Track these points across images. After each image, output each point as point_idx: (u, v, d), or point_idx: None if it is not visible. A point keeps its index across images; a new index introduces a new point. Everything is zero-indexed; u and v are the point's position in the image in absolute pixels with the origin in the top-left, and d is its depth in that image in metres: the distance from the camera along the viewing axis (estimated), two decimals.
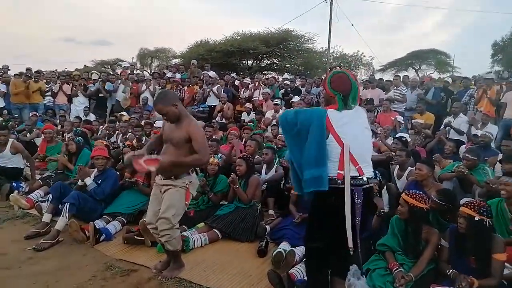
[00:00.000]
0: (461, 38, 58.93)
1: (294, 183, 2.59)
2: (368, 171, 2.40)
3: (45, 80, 10.58)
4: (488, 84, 7.55)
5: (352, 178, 2.30)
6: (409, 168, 4.70)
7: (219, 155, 5.62)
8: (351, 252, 2.26)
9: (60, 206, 4.14)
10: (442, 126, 7.05)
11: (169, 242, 3.07)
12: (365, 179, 2.36)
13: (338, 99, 2.37)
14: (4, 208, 4.86)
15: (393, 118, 7.40)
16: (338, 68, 21.60)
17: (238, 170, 4.47)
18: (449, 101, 8.50)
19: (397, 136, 6.13)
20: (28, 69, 10.71)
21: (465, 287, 2.64)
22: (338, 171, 2.31)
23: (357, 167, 2.33)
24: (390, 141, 6.15)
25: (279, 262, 3.35)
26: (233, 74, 12.04)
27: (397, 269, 2.96)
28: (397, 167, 4.88)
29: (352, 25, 28.93)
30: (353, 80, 2.44)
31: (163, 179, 3.14)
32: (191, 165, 3.13)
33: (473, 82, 9.30)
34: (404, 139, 5.76)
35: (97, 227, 3.98)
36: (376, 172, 3.87)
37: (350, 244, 2.26)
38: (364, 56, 26.93)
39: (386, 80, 9.92)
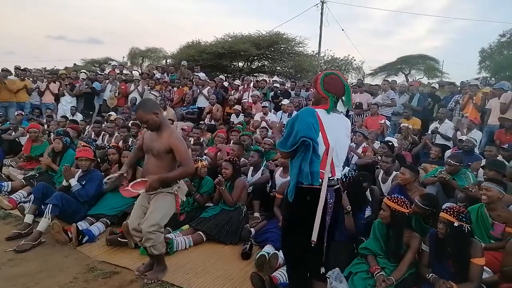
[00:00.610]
0: (451, 45, 60.01)
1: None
2: (339, 173, 2.46)
3: (31, 79, 10.43)
4: (473, 90, 7.67)
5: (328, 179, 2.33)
6: (394, 173, 4.75)
7: (204, 157, 5.61)
8: (312, 244, 2.23)
9: (42, 207, 4.08)
10: (429, 132, 7.14)
11: (153, 246, 3.05)
12: (335, 179, 2.41)
13: (330, 100, 2.38)
14: None
15: (381, 122, 7.48)
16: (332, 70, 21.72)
17: (224, 173, 4.46)
18: (435, 106, 8.62)
19: (384, 140, 6.20)
20: (17, 68, 10.53)
21: None
22: (320, 170, 2.33)
23: (331, 168, 2.36)
24: (377, 145, 6.22)
25: (262, 265, 3.36)
26: (221, 76, 12.03)
27: (378, 272, 2.99)
28: (382, 171, 4.93)
29: (343, 29, 29.13)
30: (345, 82, 2.47)
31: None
32: (178, 179, 3.13)
33: (459, 88, 9.45)
34: (391, 143, 5.82)
35: (80, 228, 3.94)
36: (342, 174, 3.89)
37: (314, 237, 2.22)
38: (355, 60, 27.23)
39: (374, 85, 10.02)
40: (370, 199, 4.21)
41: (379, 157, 5.29)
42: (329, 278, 2.64)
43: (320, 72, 2.59)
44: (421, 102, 8.28)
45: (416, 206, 3.47)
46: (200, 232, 4.02)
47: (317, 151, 2.30)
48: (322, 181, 2.30)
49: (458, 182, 4.37)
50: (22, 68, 10.84)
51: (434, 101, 8.71)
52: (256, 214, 4.60)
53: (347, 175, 3.88)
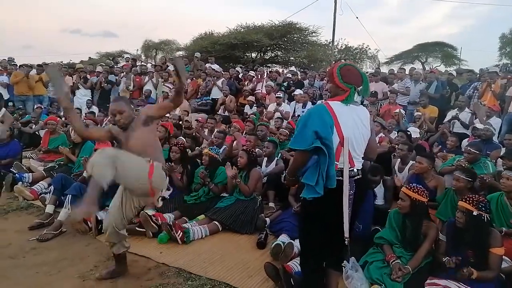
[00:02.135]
0: (469, 31, 58.35)
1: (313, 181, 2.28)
2: (358, 164, 2.42)
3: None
4: (491, 77, 7.47)
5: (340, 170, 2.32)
6: (411, 162, 4.70)
7: (223, 147, 5.64)
8: (346, 242, 2.27)
9: (62, 197, 4.18)
10: (447, 119, 7.01)
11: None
12: (355, 170, 2.38)
13: (351, 92, 2.36)
14: (9, 199, 4.94)
15: (396, 111, 7.37)
16: (343, 61, 21.53)
17: (239, 162, 4.50)
18: (453, 94, 8.44)
19: (402, 129, 6.12)
20: (40, 64, 10.68)
21: (464, 274, 2.67)
22: (335, 162, 2.31)
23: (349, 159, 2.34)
24: (393, 135, 6.14)
25: (277, 254, 3.38)
26: (238, 68, 12.00)
27: (394, 260, 2.98)
28: (399, 160, 4.89)
29: (357, 17, 28.49)
30: (361, 71, 2.46)
31: None
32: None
33: (478, 76, 9.22)
34: (409, 133, 5.75)
35: (99, 218, 4.00)
36: None
37: (347, 234, 2.27)
38: (370, 48, 26.76)
39: (389, 74, 9.83)
40: (383, 189, 4.18)
41: (394, 146, 5.24)
42: (344, 267, 2.64)
43: (333, 65, 2.55)
44: (439, 89, 8.11)
45: (459, 181, 3.57)
46: (216, 222, 4.07)
47: (332, 151, 2.24)
48: (338, 171, 2.30)
49: (477, 171, 4.29)
50: (42, 63, 11.04)
51: (452, 89, 8.53)
52: (271, 204, 4.63)
53: None
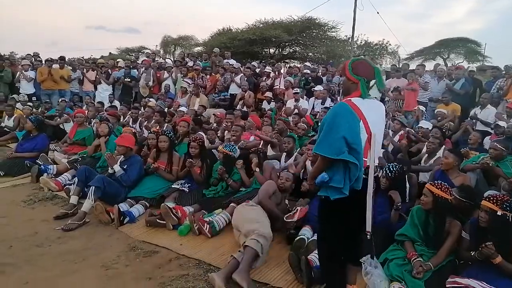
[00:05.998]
0: (494, 26, 56.47)
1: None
2: (377, 160, 2.44)
3: (71, 68, 10.87)
4: None
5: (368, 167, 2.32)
6: (436, 155, 4.72)
7: (242, 141, 5.66)
8: (368, 237, 2.29)
9: (86, 189, 4.30)
10: (469, 118, 6.85)
11: None
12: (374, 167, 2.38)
13: (361, 84, 2.34)
14: (34, 189, 5.09)
15: (415, 108, 7.25)
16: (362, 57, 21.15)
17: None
18: (477, 91, 8.22)
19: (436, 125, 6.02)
20: (62, 57, 10.93)
21: (490, 248, 2.65)
22: (364, 159, 2.31)
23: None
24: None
25: (299, 248, 3.36)
26: (254, 63, 11.99)
27: (415, 258, 2.95)
28: (426, 155, 4.89)
29: (378, 12, 27.79)
30: (374, 65, 2.44)
31: None
32: None
33: (503, 72, 8.94)
34: (444, 130, 5.68)
35: (121, 210, 4.11)
36: (387, 168, 3.76)
37: (369, 228, 2.27)
38: (390, 44, 26.28)
39: (409, 70, 9.65)
40: (408, 186, 4.12)
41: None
42: (364, 263, 2.63)
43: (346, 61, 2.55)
44: (465, 87, 7.91)
45: (453, 198, 3.36)
46: (233, 204, 4.08)
47: (360, 156, 2.24)
48: (365, 170, 2.30)
49: (503, 170, 4.19)
50: (65, 58, 11.29)
51: (474, 85, 8.29)
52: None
53: (392, 169, 3.76)
